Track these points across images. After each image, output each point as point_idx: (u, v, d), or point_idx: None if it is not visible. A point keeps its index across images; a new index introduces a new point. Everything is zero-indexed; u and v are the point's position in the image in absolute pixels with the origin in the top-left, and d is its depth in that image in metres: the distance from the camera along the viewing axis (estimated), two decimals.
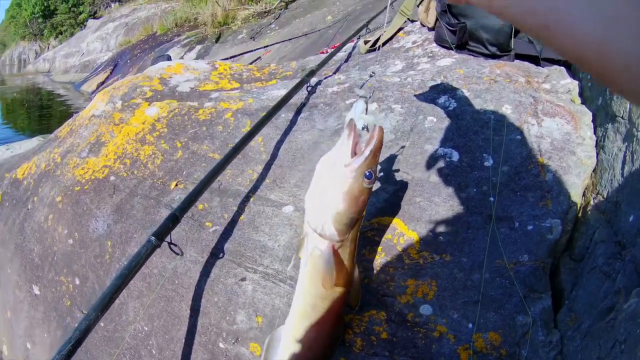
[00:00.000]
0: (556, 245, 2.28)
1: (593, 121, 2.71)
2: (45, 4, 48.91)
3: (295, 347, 2.04)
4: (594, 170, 2.52)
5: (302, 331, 2.04)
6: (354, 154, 1.91)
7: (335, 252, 1.93)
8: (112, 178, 3.45)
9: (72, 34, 41.57)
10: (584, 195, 2.47)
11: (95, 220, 3.28)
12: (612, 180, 2.32)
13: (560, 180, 2.45)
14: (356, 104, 2.05)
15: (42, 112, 21.07)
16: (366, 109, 2.04)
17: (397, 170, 2.71)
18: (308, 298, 2.02)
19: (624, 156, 2.25)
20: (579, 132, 2.67)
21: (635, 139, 2.20)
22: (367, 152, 1.88)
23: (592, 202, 2.42)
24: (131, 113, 3.91)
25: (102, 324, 2.97)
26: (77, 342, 1.83)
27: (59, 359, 1.78)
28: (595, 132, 2.66)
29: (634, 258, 1.87)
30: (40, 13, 48.93)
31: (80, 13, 46.35)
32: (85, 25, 37.17)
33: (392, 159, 2.81)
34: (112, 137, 3.78)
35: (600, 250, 2.11)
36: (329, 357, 2.15)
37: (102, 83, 19.85)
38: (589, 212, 2.38)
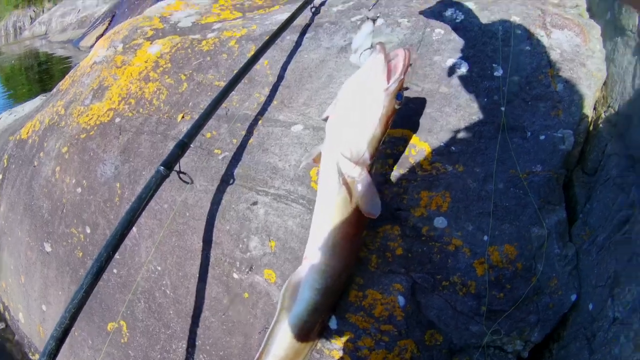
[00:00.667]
0: (569, 156, 2.25)
1: (602, 35, 2.66)
2: None
3: (326, 282, 2.02)
4: (604, 83, 2.47)
5: (334, 262, 2.03)
6: (389, 76, 1.90)
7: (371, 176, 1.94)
8: (117, 120, 3.42)
9: None
10: (594, 108, 2.44)
11: (102, 164, 3.27)
12: (622, 93, 2.28)
13: (571, 91, 2.41)
14: (364, 25, 2.04)
15: (42, 75, 20.98)
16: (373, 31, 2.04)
17: (407, 83, 2.66)
18: (342, 227, 2.00)
19: (635, 69, 2.21)
20: (589, 44, 2.62)
21: None
22: (400, 75, 1.89)
23: (603, 115, 2.38)
24: (133, 54, 3.87)
25: (115, 271, 2.98)
26: (89, 287, 1.80)
27: (73, 307, 1.76)
28: (604, 46, 2.61)
29: None
30: None
31: None
32: None
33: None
34: (115, 80, 3.75)
35: (613, 162, 2.09)
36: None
37: (101, 35, 19.64)
38: (601, 125, 2.34)
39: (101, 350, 3.01)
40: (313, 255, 2.03)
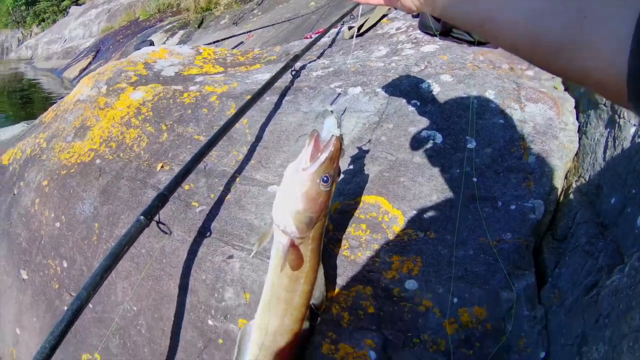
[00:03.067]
0: (539, 225, 2.33)
1: (575, 108, 2.76)
2: None
3: (262, 338, 2.12)
4: (576, 155, 2.58)
5: (267, 322, 2.13)
6: (312, 159, 1.98)
7: (293, 246, 2.02)
8: (97, 161, 3.46)
9: (54, 21, 41.10)
10: (566, 177, 2.53)
11: (81, 202, 3.30)
12: (594, 164, 2.38)
13: (543, 162, 2.50)
14: (326, 120, 2.10)
15: (25, 100, 20.94)
16: (338, 124, 2.09)
17: (382, 152, 2.74)
18: (273, 289, 2.10)
19: (606, 141, 2.32)
20: (562, 117, 2.72)
21: (617, 125, 2.26)
22: (322, 158, 1.97)
23: (574, 185, 2.48)
24: (116, 97, 3.92)
25: (90, 306, 2.99)
26: (69, 322, 1.86)
27: (53, 339, 1.81)
28: (577, 119, 2.72)
29: (616, 238, 1.94)
30: (23, 1, 48.48)
31: (63, 0, 46.04)
32: (67, 12, 36.81)
33: (376, 141, 2.84)
34: (97, 121, 3.79)
35: (583, 230, 2.16)
36: (297, 347, 2.22)
37: (85, 69, 19.72)
38: (571, 194, 2.44)
39: None
40: (258, 312, 2.15)
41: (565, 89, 2.90)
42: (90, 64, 20.15)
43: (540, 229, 2.37)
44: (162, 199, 2.31)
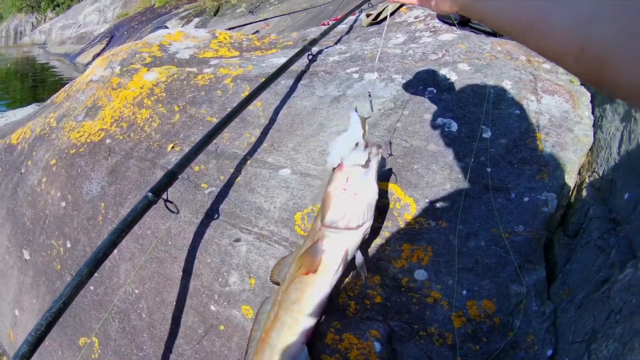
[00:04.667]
0: (551, 219, 2.28)
1: (591, 102, 2.72)
2: None
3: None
4: (590, 149, 2.53)
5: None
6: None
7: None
8: (107, 141, 3.44)
9: (69, 6, 41.38)
10: (579, 172, 2.49)
11: (89, 182, 3.28)
12: (608, 158, 2.33)
13: (557, 155, 2.46)
14: (353, 120, 2.09)
15: (37, 83, 21.03)
16: (366, 128, 2.08)
17: (395, 138, 2.72)
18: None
19: (621, 135, 2.27)
20: (577, 111, 2.68)
21: (633, 119, 2.22)
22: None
23: (587, 180, 2.43)
24: (129, 78, 3.91)
25: (91, 288, 2.98)
26: (68, 298, 1.82)
27: (49, 316, 1.77)
28: (593, 113, 2.68)
29: (629, 234, 1.89)
30: None
31: None
32: None
33: (390, 127, 2.81)
34: (109, 101, 3.78)
35: (595, 225, 2.12)
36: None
37: (98, 55, 19.75)
38: (584, 189, 2.39)
39: None
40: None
41: (582, 83, 2.86)
42: (104, 49, 20.20)
43: (552, 224, 2.32)
44: (171, 176, 2.28)
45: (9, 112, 7.63)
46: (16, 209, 3.75)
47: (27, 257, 3.50)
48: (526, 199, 2.30)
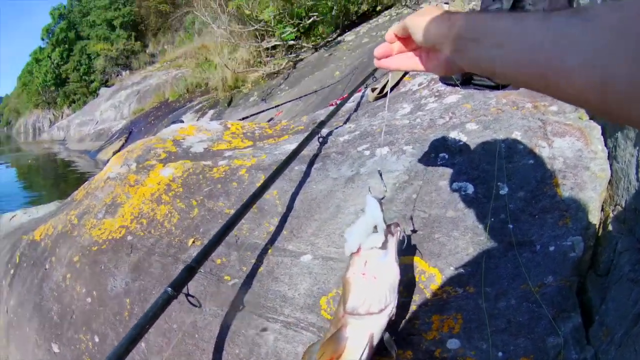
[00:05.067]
0: (580, 263, 2.26)
1: (603, 134, 2.72)
2: (57, 72, 49.89)
3: None
4: (609, 182, 2.53)
5: None
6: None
7: None
8: (129, 237, 3.48)
9: (85, 103, 42.22)
10: (602, 208, 2.48)
11: (113, 278, 3.31)
12: (628, 187, 2.33)
13: (577, 197, 2.46)
14: (369, 204, 2.09)
15: (58, 180, 21.30)
16: (381, 209, 2.08)
17: (414, 210, 2.73)
18: None
19: (637, 161, 2.27)
20: (590, 146, 2.70)
21: None
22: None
23: (611, 215, 2.42)
24: (146, 174, 3.98)
25: None
26: None
27: None
28: (606, 144, 2.68)
29: None
30: (52, 81, 49.84)
31: (92, 81, 47.19)
32: (97, 94, 37.58)
33: (407, 199, 2.83)
34: (127, 198, 3.84)
35: (625, 259, 2.11)
36: None
37: (118, 151, 19.95)
38: (609, 225, 2.38)
39: None
40: None
41: (591, 118, 2.87)
42: (123, 145, 20.45)
43: (581, 267, 2.30)
44: (190, 271, 2.31)
45: (31, 209, 7.71)
46: (43, 303, 3.77)
47: (56, 350, 3.51)
48: (552, 248, 2.29)
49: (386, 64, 1.51)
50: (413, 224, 2.62)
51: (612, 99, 0.77)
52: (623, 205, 2.34)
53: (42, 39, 52.28)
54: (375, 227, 2.05)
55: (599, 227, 2.40)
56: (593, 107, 0.85)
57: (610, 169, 2.56)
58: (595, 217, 2.39)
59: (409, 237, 2.44)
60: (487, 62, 1.02)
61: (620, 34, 0.74)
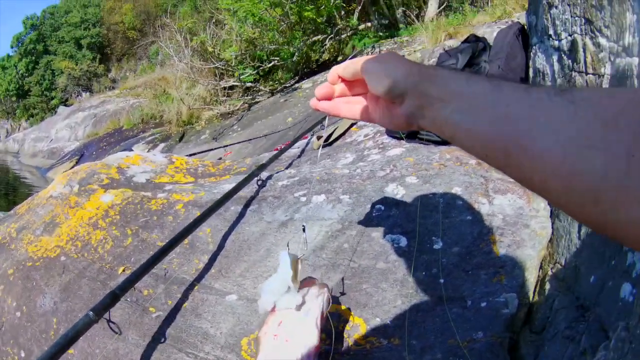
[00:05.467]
0: (513, 319, 2.28)
1: None
2: (20, 83, 49.17)
3: None
4: (550, 241, 2.56)
5: None
6: None
7: None
8: (62, 258, 3.49)
9: (42, 118, 41.59)
10: (541, 266, 2.51)
11: (43, 296, 3.31)
12: (569, 246, 2.36)
13: (514, 254, 2.50)
14: (282, 261, 2.06)
15: (8, 191, 20.99)
16: (297, 267, 2.07)
17: (343, 260, 2.78)
18: None
19: None
20: (532, 204, 2.75)
21: None
22: None
23: (550, 272, 2.45)
24: (87, 198, 3.99)
25: None
26: None
27: None
28: (549, 203, 2.71)
29: (599, 317, 1.86)
30: (15, 92, 49.07)
31: (53, 98, 46.62)
32: (56, 112, 37.14)
33: (338, 248, 2.88)
34: (66, 218, 3.85)
35: (562, 316, 2.11)
36: None
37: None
38: (547, 282, 2.41)
39: None
40: None
41: None
42: (73, 167, 20.18)
43: (515, 324, 2.30)
44: (113, 297, 2.35)
45: None
46: None
47: None
48: (484, 304, 2.32)
49: (323, 107, 1.29)
50: (343, 287, 2.62)
51: (579, 197, 0.70)
52: (563, 263, 2.38)
53: (12, 47, 51.72)
54: (289, 287, 2.02)
55: (536, 285, 2.44)
56: (552, 197, 0.78)
57: (552, 227, 2.61)
58: (532, 275, 2.43)
59: (335, 286, 2.47)
60: (451, 126, 0.91)
61: (611, 125, 0.66)
